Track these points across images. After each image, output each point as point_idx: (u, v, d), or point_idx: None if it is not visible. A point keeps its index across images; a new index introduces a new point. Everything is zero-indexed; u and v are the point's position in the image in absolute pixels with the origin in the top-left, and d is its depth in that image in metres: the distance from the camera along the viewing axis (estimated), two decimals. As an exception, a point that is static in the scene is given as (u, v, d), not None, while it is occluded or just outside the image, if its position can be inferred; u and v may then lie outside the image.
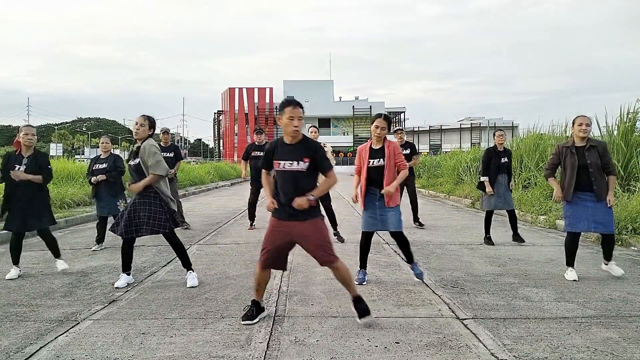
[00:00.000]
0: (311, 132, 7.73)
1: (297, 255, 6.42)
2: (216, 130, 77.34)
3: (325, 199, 7.22)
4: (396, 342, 3.35)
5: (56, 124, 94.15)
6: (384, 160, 4.77)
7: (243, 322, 3.76)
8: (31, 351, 3.27)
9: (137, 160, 4.77)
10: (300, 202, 3.54)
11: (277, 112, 3.69)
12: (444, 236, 7.99)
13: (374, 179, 4.81)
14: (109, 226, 7.23)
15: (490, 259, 6.19)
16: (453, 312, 4.03)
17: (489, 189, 7.12)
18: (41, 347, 3.33)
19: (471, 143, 55.92)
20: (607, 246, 5.14)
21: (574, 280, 4.98)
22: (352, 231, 7.97)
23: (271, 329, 3.64)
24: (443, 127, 76.27)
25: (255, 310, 3.81)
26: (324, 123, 63.75)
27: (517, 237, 7.20)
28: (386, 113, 5.11)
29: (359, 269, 5.00)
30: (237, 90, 67.93)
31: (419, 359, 3.09)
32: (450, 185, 16.46)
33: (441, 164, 19.56)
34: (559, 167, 5.24)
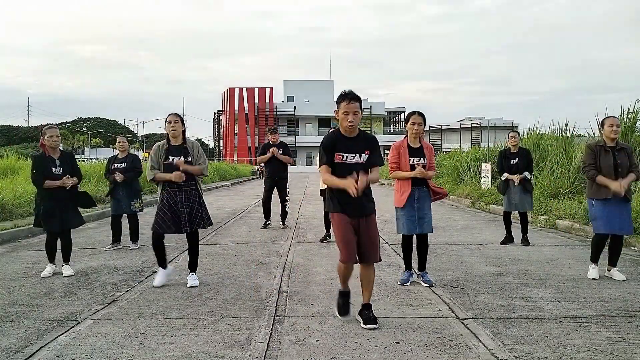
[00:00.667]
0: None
1: (297, 255, 6.43)
2: (216, 130, 77.44)
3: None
4: (396, 342, 3.36)
5: (56, 124, 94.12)
6: (424, 160, 4.74)
7: (342, 317, 3.81)
8: (31, 351, 3.27)
9: (189, 158, 4.82)
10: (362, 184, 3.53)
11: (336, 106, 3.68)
12: (444, 236, 7.99)
13: (415, 179, 4.74)
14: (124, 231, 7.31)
15: (490, 259, 6.19)
16: (453, 312, 4.03)
17: (509, 177, 7.04)
18: (41, 347, 3.33)
19: (471, 143, 55.86)
20: (615, 250, 5.10)
21: (593, 279, 5.00)
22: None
23: (271, 329, 3.64)
24: (443, 127, 76.18)
25: (345, 300, 3.81)
26: (324, 123, 63.76)
27: (524, 240, 7.12)
28: (420, 111, 4.88)
29: (404, 269, 5.03)
30: (237, 90, 67.96)
31: (419, 359, 3.10)
32: (450, 185, 16.46)
33: (441, 164, 19.52)
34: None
